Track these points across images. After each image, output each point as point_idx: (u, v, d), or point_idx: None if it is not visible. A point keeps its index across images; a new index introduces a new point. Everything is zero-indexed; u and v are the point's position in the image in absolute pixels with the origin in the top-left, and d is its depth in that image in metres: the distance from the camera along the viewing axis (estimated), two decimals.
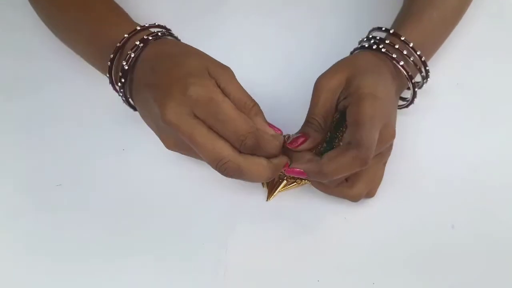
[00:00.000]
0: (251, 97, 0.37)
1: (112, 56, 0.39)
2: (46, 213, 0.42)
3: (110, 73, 0.40)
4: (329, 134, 0.40)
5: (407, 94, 0.43)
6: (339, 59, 0.41)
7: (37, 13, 0.49)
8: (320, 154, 0.38)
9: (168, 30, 0.43)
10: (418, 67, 0.41)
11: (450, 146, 0.45)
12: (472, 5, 0.48)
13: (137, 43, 0.39)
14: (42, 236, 0.41)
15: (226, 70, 0.37)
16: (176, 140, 0.37)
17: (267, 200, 0.42)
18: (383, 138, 0.37)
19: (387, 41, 0.41)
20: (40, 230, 0.41)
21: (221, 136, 0.35)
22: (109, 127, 0.46)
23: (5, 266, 0.39)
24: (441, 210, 0.42)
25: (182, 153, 0.38)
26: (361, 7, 0.54)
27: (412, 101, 0.43)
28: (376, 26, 0.44)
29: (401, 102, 0.44)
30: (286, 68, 0.50)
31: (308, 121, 0.39)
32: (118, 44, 0.39)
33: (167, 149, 0.38)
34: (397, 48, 0.40)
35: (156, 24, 0.42)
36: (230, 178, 0.36)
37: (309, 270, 0.39)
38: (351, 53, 0.44)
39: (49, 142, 0.45)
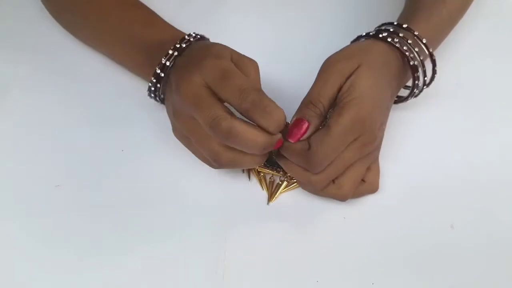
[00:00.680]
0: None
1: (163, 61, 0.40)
2: (45, 213, 0.42)
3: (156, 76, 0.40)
4: None
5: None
6: None
7: (59, 19, 0.51)
8: None
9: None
10: (423, 67, 0.41)
11: (450, 146, 0.45)
12: (472, 4, 0.48)
13: (180, 45, 0.40)
14: (41, 236, 0.41)
15: (251, 61, 0.37)
16: (184, 122, 0.37)
17: (268, 203, 0.42)
18: (362, 143, 0.37)
19: (401, 35, 0.40)
20: (39, 230, 0.41)
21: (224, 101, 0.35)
22: (108, 128, 0.46)
23: (5, 266, 0.39)
24: (441, 210, 0.42)
25: (186, 144, 0.39)
26: (361, 7, 0.54)
27: (407, 99, 0.43)
28: (375, 25, 0.43)
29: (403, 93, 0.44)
30: (286, 68, 0.50)
31: (311, 103, 0.37)
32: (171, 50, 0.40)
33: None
34: (410, 43, 0.40)
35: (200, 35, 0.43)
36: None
37: (308, 271, 0.39)
38: (358, 37, 0.42)
39: (48, 142, 0.45)
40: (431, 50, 0.41)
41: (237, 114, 0.35)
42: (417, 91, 0.42)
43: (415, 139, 0.45)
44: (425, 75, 0.41)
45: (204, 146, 0.37)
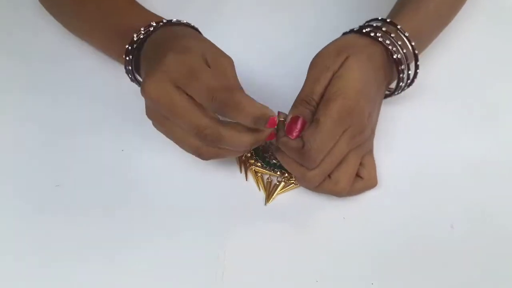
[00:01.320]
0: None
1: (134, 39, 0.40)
2: (45, 213, 0.42)
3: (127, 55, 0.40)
4: None
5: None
6: None
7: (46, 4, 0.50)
8: None
9: (192, 26, 0.42)
10: (407, 62, 0.41)
11: (450, 145, 0.45)
12: (470, 4, 0.49)
13: (150, 27, 0.39)
14: (41, 236, 0.41)
15: (226, 58, 0.36)
16: (156, 114, 0.36)
17: (265, 204, 0.42)
18: (351, 134, 0.37)
19: (383, 29, 0.41)
20: (39, 230, 0.41)
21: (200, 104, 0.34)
22: (108, 128, 0.46)
23: (5, 266, 0.39)
24: (440, 210, 0.42)
25: (165, 134, 0.37)
26: (362, 7, 0.54)
27: (395, 92, 0.43)
28: None
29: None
30: (286, 68, 0.50)
31: (303, 101, 0.37)
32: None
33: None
34: (392, 37, 0.40)
35: (185, 22, 0.42)
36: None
37: (308, 271, 0.39)
38: (344, 34, 0.43)
39: (48, 142, 0.45)
40: (413, 44, 0.41)
41: None
42: (402, 84, 0.42)
43: (414, 138, 0.45)
44: (409, 69, 0.41)
45: (184, 144, 0.37)
